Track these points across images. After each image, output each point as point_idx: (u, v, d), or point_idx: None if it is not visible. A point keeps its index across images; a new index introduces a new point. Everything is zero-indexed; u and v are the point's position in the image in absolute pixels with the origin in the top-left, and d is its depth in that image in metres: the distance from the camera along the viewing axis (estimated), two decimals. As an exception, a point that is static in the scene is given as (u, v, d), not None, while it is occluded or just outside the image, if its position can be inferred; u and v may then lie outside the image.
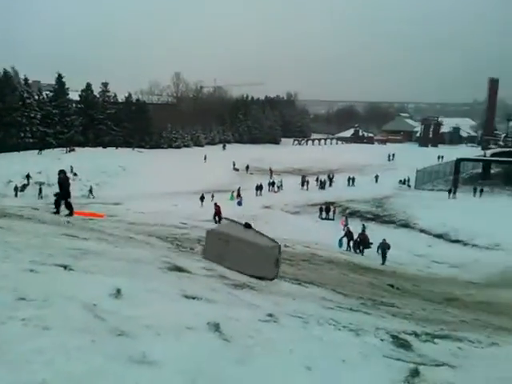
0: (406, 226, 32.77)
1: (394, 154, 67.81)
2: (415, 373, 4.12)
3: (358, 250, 22.66)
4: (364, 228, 29.84)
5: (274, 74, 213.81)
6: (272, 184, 43.54)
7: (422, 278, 19.30)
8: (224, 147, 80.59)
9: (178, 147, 77.37)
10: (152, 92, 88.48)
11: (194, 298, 4.49)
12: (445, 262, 24.71)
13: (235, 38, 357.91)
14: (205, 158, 61.61)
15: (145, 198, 37.34)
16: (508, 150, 53.41)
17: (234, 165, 57.85)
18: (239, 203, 36.97)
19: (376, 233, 28.17)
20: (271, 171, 52.66)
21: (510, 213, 33.75)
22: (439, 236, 30.08)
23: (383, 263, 20.29)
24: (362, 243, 22.71)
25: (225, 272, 6.87)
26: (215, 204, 26.54)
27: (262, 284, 7.30)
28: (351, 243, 23.21)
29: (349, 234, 23.31)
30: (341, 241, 23.17)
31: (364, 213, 35.81)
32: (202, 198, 35.30)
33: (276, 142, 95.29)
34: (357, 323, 5.36)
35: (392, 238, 28.37)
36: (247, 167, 56.80)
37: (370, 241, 22.78)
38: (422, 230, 31.38)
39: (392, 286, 14.31)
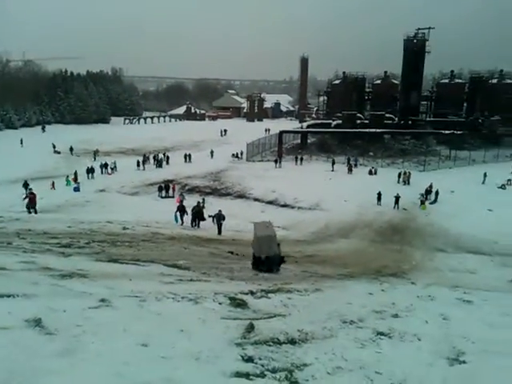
0: (241, 196, 34.61)
1: (225, 130, 70.48)
2: (250, 328, 4.43)
3: (193, 224, 22.49)
4: (203, 202, 30.56)
5: (95, 48, 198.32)
6: (105, 166, 40.83)
7: (258, 242, 20.76)
8: (43, 129, 71.73)
9: (-17, 131, 65.95)
10: None
11: (8, 296, 3.92)
12: (277, 226, 26.96)
13: (47, 4, 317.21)
14: (21, 142, 54.04)
15: None
16: (320, 121, 60.64)
17: (54, 147, 52.09)
18: (76, 188, 33.88)
19: (215, 206, 29.13)
20: (95, 152, 48.99)
21: (324, 176, 38.87)
22: (270, 202, 32.69)
23: (219, 233, 20.67)
24: (197, 216, 22.58)
25: (48, 263, 6.19)
26: (30, 192, 23.56)
27: (97, 270, 6.85)
28: (185, 217, 22.98)
29: (182, 209, 22.90)
30: (176, 216, 22.76)
31: (203, 188, 36.56)
32: (26, 186, 30.88)
33: (105, 121, 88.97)
34: (196, 292, 5.46)
35: (230, 209, 29.86)
36: (71, 149, 51.78)
37: (210, 213, 23.22)
38: (255, 199, 33.59)
39: (232, 252, 15.08)
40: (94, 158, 47.00)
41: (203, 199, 30.89)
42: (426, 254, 20.02)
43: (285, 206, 31.93)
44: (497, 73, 55.77)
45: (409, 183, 36.22)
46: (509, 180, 33.21)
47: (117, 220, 20.23)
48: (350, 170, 40.84)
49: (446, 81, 57.97)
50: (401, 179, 36.79)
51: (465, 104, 56.90)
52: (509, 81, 55.38)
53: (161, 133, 68.08)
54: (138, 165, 42.94)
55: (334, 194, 32.11)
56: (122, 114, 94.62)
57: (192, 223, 22.42)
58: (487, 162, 42.93)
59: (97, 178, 38.42)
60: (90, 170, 38.54)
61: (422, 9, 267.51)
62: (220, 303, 5.19)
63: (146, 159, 44.21)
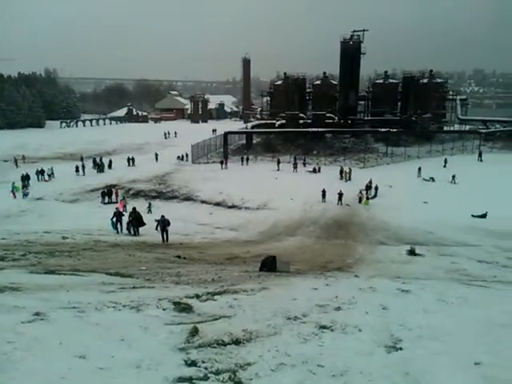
0: (188, 199, 34.16)
1: (169, 132, 69.29)
2: (194, 331, 4.39)
3: (131, 230, 21.08)
4: (149, 206, 29.83)
5: (26, 49, 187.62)
6: (41, 172, 38.65)
7: (206, 244, 20.64)
8: (-29, 135, 66.75)
9: None
10: None
11: None
12: (225, 227, 26.97)
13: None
14: None
15: None
16: (264, 122, 61.26)
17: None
18: (26, 194, 32.45)
19: (161, 209, 28.58)
20: (16, 159, 45.99)
21: (271, 175, 39.37)
22: (218, 204, 32.56)
23: (165, 241, 19.47)
24: (136, 222, 21.24)
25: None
26: None
27: (32, 282, 6.48)
28: (123, 224, 21.50)
29: (119, 215, 21.58)
30: (112, 223, 21.33)
31: (148, 192, 35.68)
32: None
33: (40, 125, 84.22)
34: (138, 299, 5.33)
35: (177, 212, 29.44)
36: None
37: (156, 218, 22.51)
38: (202, 201, 33.31)
39: (179, 256, 14.87)
40: (16, 165, 44.18)
41: (149, 204, 30.21)
42: (369, 247, 20.85)
43: (232, 206, 31.94)
44: (427, 72, 59.16)
45: (350, 179, 37.55)
46: (453, 176, 34.42)
47: (55, 229, 19.31)
48: (295, 169, 41.69)
49: (381, 81, 60.69)
50: (343, 176, 38.07)
51: (399, 103, 59.86)
52: (438, 80, 59.01)
53: (101, 136, 65.61)
54: (77, 170, 41.06)
55: (281, 193, 32.60)
56: (57, 117, 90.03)
57: (129, 230, 21.11)
58: (421, 157, 45.52)
59: (33, 186, 36.33)
60: (26, 178, 36.34)
61: (358, 11, 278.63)
62: (164, 309, 5.10)
63: (83, 164, 42.18)
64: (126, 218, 21.58)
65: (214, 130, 62.73)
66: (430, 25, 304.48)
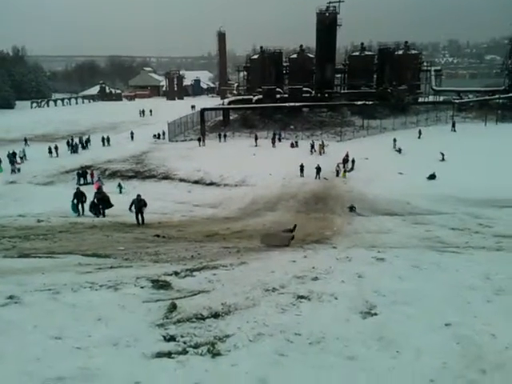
0: (166, 177, 33.89)
1: (144, 110, 67.83)
2: (173, 307, 4.42)
3: (96, 212, 19.79)
4: (119, 187, 29.39)
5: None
6: (13, 155, 37.50)
7: (185, 222, 20.61)
8: None
9: None
10: None
11: None
12: (204, 204, 26.96)
13: None
14: None
15: None
16: (241, 97, 60.54)
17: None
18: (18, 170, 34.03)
19: (139, 189, 28.27)
20: None
21: (249, 151, 39.23)
22: (196, 182, 32.43)
23: (140, 223, 18.13)
24: (102, 203, 20.07)
25: None
26: None
27: (6, 266, 6.37)
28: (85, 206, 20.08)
29: (81, 195, 19.92)
30: (73, 205, 19.76)
31: (124, 172, 35.18)
32: None
33: (10, 106, 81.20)
34: (116, 279, 5.31)
35: (155, 191, 29.20)
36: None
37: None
38: (181, 179, 33.10)
39: (158, 235, 14.82)
40: None
41: (119, 183, 29.79)
42: (346, 219, 21.22)
43: (211, 184, 31.89)
44: (402, 44, 59.15)
45: (324, 153, 37.66)
46: (442, 153, 33.06)
47: (30, 213, 18.93)
48: (273, 144, 41.61)
49: (357, 53, 60.43)
50: (315, 150, 38.12)
51: (375, 75, 59.91)
52: (413, 51, 59.16)
53: (74, 115, 63.84)
54: (51, 151, 40.02)
55: (259, 168, 32.64)
56: (28, 97, 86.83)
57: (93, 212, 19.77)
58: (396, 129, 46.00)
59: (5, 170, 35.32)
60: (11, 155, 35.33)
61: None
62: (142, 287, 5.11)
63: (56, 145, 41.01)
64: (89, 200, 20.31)
65: (193, 106, 61.77)
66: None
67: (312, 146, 38.40)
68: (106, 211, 20.28)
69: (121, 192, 28.72)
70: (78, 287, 4.79)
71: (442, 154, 32.86)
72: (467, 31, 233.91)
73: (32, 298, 4.18)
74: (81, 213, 19.95)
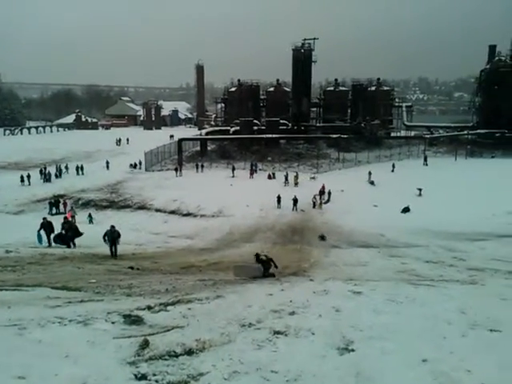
0: (142, 207, 33.40)
1: (121, 139, 67.43)
2: (145, 344, 4.26)
3: (66, 243, 18.98)
4: (91, 217, 28.81)
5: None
6: (-18, 183, 36.44)
7: (160, 253, 20.20)
8: None
9: None
10: None
11: None
12: (181, 235, 26.59)
13: None
14: None
15: None
16: (219, 128, 61.16)
17: None
18: None
19: (113, 219, 27.76)
20: None
21: (225, 182, 39.28)
22: (173, 212, 32.06)
23: (113, 255, 17.45)
24: (71, 232, 19.18)
25: None
26: None
27: None
28: (52, 236, 19.09)
29: (48, 226, 19.05)
30: (39, 235, 18.95)
31: (98, 201, 34.56)
32: None
33: (-19, 133, 79.61)
34: (86, 313, 5.10)
35: (130, 222, 28.71)
36: None
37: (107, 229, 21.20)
38: (157, 210, 32.67)
39: (132, 267, 14.43)
40: None
41: (89, 214, 29.21)
42: (323, 251, 21.24)
43: (188, 214, 31.58)
44: (375, 81, 61.57)
45: (297, 184, 38.00)
46: (419, 189, 33.14)
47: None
48: (251, 175, 41.85)
49: (332, 88, 62.47)
50: (289, 182, 38.43)
51: (349, 110, 61.84)
52: (385, 88, 61.58)
53: (48, 144, 62.79)
54: (23, 180, 39.07)
55: (236, 199, 32.62)
56: (1, 124, 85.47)
57: (59, 243, 18.93)
58: (371, 162, 47.14)
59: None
60: None
61: (309, 21, 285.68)
62: (113, 322, 4.92)
63: (29, 174, 40.08)
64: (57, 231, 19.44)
65: (172, 136, 61.95)
66: (377, 35, 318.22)
67: (286, 178, 38.75)
68: (77, 242, 19.64)
69: (91, 222, 28.16)
70: (46, 322, 4.57)
71: (419, 190, 33.30)
72: (436, 70, 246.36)
73: (-5, 334, 3.96)
74: (46, 243, 19.05)
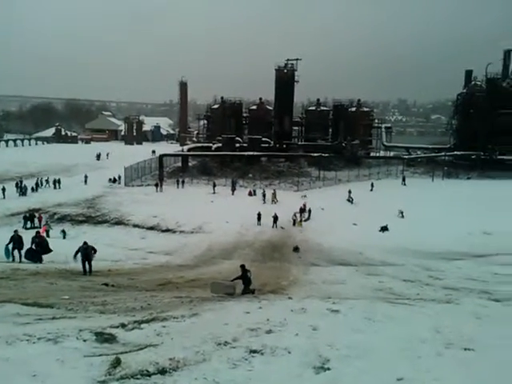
0: (119, 223, 32.85)
1: (100, 154, 66.67)
2: (116, 363, 4.14)
3: (36, 258, 18.20)
4: (64, 233, 28.14)
5: None
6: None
7: (137, 270, 19.83)
8: None
9: None
10: None
11: None
12: (159, 251, 26.19)
13: None
14: None
15: None
16: (201, 145, 61.18)
17: None
18: None
19: (89, 234, 27.23)
20: None
21: (206, 199, 39.11)
22: (151, 228, 31.63)
23: (87, 272, 16.34)
24: (40, 248, 18.53)
25: None
26: None
27: None
28: (22, 251, 18.11)
29: (18, 240, 18.13)
30: (7, 249, 18.13)
31: (75, 216, 33.86)
32: None
33: (-44, 144, 77.71)
34: (57, 331, 4.94)
35: (107, 237, 28.14)
36: None
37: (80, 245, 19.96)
38: (135, 225, 32.19)
39: (106, 284, 14.09)
40: None
41: (63, 230, 28.52)
42: (302, 268, 21.23)
43: (167, 230, 31.20)
44: (355, 102, 62.90)
45: (276, 202, 38.17)
46: (401, 212, 32.75)
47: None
48: (233, 192, 41.78)
49: (314, 108, 63.48)
50: (266, 199, 38.58)
51: (330, 129, 62.83)
52: (365, 109, 62.93)
53: (25, 157, 61.63)
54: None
55: (216, 216, 32.44)
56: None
57: (29, 258, 18.14)
58: (350, 180, 47.76)
59: None
60: None
61: (292, 42, 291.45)
62: (84, 340, 4.78)
63: (4, 187, 39.13)
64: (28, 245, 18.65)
65: (154, 151, 61.64)
66: (359, 57, 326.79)
67: (264, 196, 38.85)
68: (51, 257, 19.06)
69: (64, 237, 27.55)
70: (14, 340, 4.41)
71: (401, 212, 33.09)
72: (415, 92, 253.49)
73: (-42, 353, 3.81)
74: (16, 259, 18.19)
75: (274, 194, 39.01)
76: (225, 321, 6.75)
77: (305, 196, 39.78)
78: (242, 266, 13.80)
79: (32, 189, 41.24)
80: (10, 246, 18.22)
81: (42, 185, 42.80)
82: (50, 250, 19.17)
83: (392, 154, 62.85)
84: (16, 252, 18.30)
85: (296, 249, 25.72)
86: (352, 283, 16.80)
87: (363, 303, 10.10)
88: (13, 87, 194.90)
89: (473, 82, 58.79)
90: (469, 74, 61.08)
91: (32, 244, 18.71)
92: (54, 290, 11.28)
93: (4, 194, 38.18)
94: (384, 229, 29.71)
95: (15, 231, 19.39)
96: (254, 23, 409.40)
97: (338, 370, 4.63)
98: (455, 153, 55.73)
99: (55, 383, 3.37)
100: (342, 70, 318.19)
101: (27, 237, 24.43)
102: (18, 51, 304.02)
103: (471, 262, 22.36)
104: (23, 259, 18.27)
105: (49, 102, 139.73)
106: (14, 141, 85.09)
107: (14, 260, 18.17)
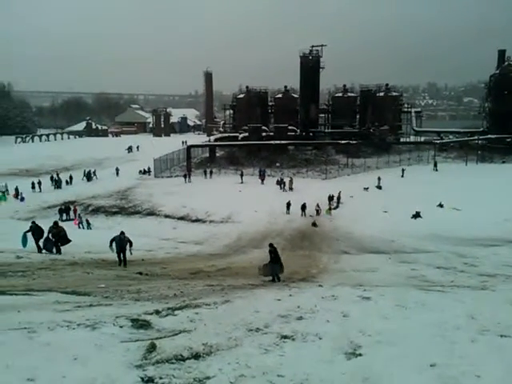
0: (151, 213, 33.56)
1: (131, 146, 68.02)
2: (152, 348, 4.28)
3: (55, 248, 17.96)
4: (88, 223, 28.92)
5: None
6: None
7: (169, 259, 20.27)
8: None
9: None
10: None
11: None
12: (190, 241, 26.64)
13: None
14: None
15: None
16: (227, 135, 61.42)
17: None
18: (22, 199, 36.43)
19: (123, 225, 27.92)
20: None
21: (234, 188, 39.32)
22: (182, 218, 32.17)
23: (122, 264, 16.35)
24: (58, 238, 18.08)
25: None
26: None
27: None
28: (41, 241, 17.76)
29: (37, 230, 17.83)
30: (25, 237, 17.99)
31: (108, 207, 34.81)
32: None
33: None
34: (94, 317, 5.14)
35: (139, 228, 28.81)
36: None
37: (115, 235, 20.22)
38: (166, 216, 32.80)
39: (141, 273, 14.50)
40: None
41: (87, 220, 29.21)
42: (332, 257, 21.14)
43: (197, 220, 31.65)
44: (383, 86, 61.39)
45: (291, 189, 37.98)
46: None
47: (9, 249, 18.36)
48: (262, 181, 41.83)
49: (340, 94, 62.42)
50: (285, 186, 38.42)
51: (357, 115, 61.69)
52: (394, 93, 61.35)
53: (59, 151, 63.64)
54: (34, 187, 39.58)
55: (245, 205, 32.61)
56: (12, 132, 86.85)
57: (48, 248, 17.89)
58: (380, 167, 46.85)
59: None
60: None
61: (318, 27, 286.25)
62: (121, 326, 4.95)
63: (40, 180, 40.55)
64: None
65: (184, 142, 62.27)
66: (385, 41, 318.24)
67: (280, 182, 38.77)
68: (87, 248, 19.63)
69: (89, 228, 28.37)
70: (55, 326, 4.62)
71: (441, 205, 30.78)
72: (445, 75, 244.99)
73: (5, 337, 4.02)
74: (30, 247, 17.92)
75: (291, 181, 38.79)
76: (256, 308, 6.84)
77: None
78: (271, 245, 14.73)
79: (66, 182, 42.62)
80: (29, 235, 18.02)
81: (70, 179, 43.26)
82: (69, 241, 18.56)
83: (423, 139, 61.14)
84: (35, 242, 17.88)
85: (314, 224, 28.28)
86: (384, 271, 16.61)
87: (395, 290, 10.00)
88: (45, 84, 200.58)
89: (506, 63, 56.19)
90: (502, 53, 58.29)
91: (48, 234, 18.25)
92: (91, 279, 11.70)
93: (40, 188, 39.63)
94: (417, 215, 29.08)
95: (33, 221, 19.19)
96: (277, 10, 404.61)
97: (369, 356, 4.62)
98: (489, 136, 53.64)
99: (94, 367, 3.51)
100: (369, 55, 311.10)
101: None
102: (48, 49, 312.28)
103: (508, 248, 21.64)
104: (43, 250, 17.92)
105: (79, 97, 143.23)
106: (47, 135, 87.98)
107: (40, 250, 17.78)
